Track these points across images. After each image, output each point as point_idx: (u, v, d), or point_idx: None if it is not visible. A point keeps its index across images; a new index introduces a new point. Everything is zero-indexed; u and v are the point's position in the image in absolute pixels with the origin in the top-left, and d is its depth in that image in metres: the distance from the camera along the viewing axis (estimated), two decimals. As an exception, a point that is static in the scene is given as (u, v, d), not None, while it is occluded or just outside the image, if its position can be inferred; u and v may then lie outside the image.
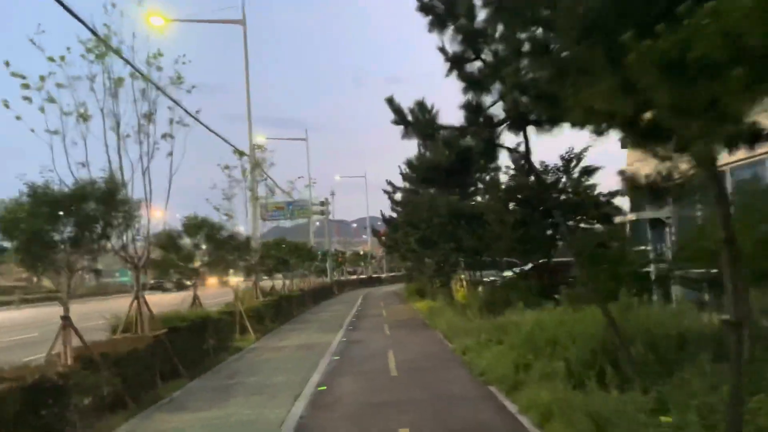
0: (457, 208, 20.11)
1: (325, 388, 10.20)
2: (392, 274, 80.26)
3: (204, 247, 16.24)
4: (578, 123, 4.56)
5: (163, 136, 11.53)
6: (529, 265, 21.09)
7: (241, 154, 22.61)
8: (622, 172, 4.74)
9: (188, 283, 21.84)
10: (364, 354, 14.06)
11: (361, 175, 70.55)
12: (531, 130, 6.19)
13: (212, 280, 35.54)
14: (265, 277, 28.75)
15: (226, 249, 16.80)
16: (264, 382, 11.26)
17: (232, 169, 22.06)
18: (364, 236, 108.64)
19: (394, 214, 29.18)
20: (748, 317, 5.33)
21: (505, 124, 6.13)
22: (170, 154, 11.88)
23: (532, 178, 21.92)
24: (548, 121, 5.67)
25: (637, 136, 4.48)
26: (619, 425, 5.71)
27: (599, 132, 5.73)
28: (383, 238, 33.59)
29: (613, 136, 5.03)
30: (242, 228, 22.25)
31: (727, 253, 4.89)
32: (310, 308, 32.12)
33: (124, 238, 10.57)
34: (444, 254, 21.08)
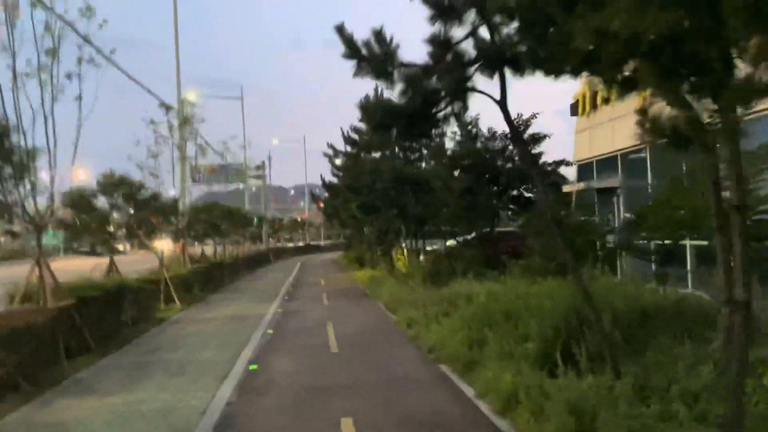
0: (403, 174, 19.16)
1: (256, 367, 9.10)
2: (331, 241, 79.22)
3: (125, 209, 14.60)
4: (583, 50, 3.55)
5: (68, 75, 9.85)
6: (471, 235, 20.50)
7: (168, 108, 20.73)
8: (642, 111, 3.79)
9: (121, 248, 20.22)
10: (301, 327, 13.01)
11: (299, 140, 68.26)
12: (508, 72, 5.20)
13: (144, 246, 33.53)
14: (196, 244, 27.06)
15: (148, 210, 15.20)
16: (187, 358, 10.03)
17: (159, 125, 20.37)
18: (302, 203, 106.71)
19: (335, 180, 27.97)
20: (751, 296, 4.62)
21: (477, 64, 5.10)
22: (79, 98, 10.22)
23: (479, 144, 21.31)
24: (532, 60, 4.67)
25: (659, 72, 3.54)
26: (600, 417, 4.94)
27: (578, 73, 4.80)
28: (322, 205, 32.36)
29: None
30: (172, 191, 20.51)
31: (737, 222, 4.09)
32: (244, 276, 30.65)
33: (20, 192, 8.97)
34: (387, 221, 20.15)
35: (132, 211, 14.30)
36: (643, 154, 15.28)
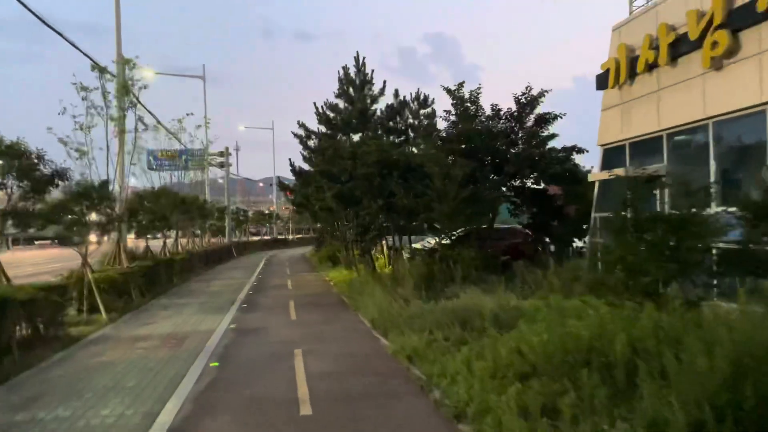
0: (390, 157, 15.67)
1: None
2: (299, 236, 75.29)
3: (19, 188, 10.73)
4: None
5: None
6: (457, 232, 17.10)
7: (102, 70, 16.79)
8: None
9: (93, 239, 16.38)
10: (258, 357, 9.41)
11: (268, 127, 64.14)
12: None
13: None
14: (148, 237, 23.09)
15: (58, 192, 11.39)
16: (74, 424, 6.37)
17: (91, 92, 16.45)
18: (270, 196, 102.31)
19: (307, 166, 24.29)
20: None
21: None
22: None
23: (478, 124, 17.94)
24: None
25: None
26: None
27: None
28: (291, 195, 28.49)
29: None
30: (110, 173, 16.59)
31: None
32: (199, 274, 26.75)
33: None
34: (369, 214, 16.63)
35: (27, 191, 10.45)
36: (700, 136, 12.10)
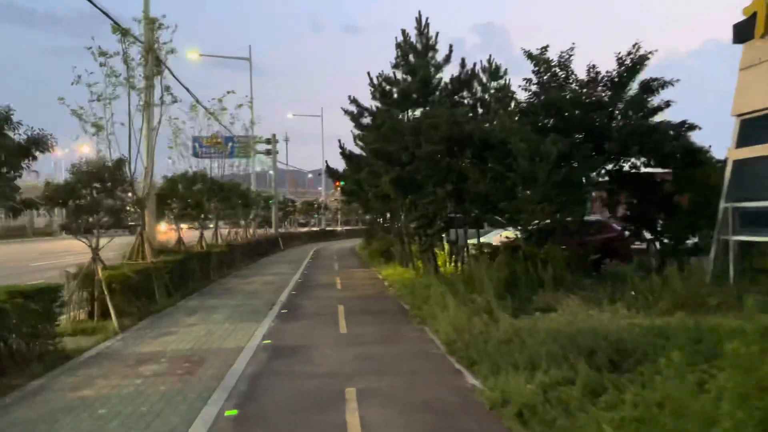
0: (463, 130, 12.67)
1: None
2: (348, 227, 73.02)
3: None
4: None
5: None
6: (529, 226, 13.92)
7: (124, 32, 14.40)
8: None
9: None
10: (294, 402, 6.63)
11: (317, 114, 61.87)
12: None
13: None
14: (185, 227, 20.86)
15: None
16: None
17: (111, 58, 14.13)
18: (319, 188, 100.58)
19: (358, 150, 21.53)
20: None
21: None
22: None
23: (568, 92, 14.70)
24: None
25: None
26: None
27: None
28: (340, 184, 25.88)
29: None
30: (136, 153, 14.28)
31: None
32: (240, 269, 24.43)
33: None
34: (434, 203, 13.67)
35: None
36: None
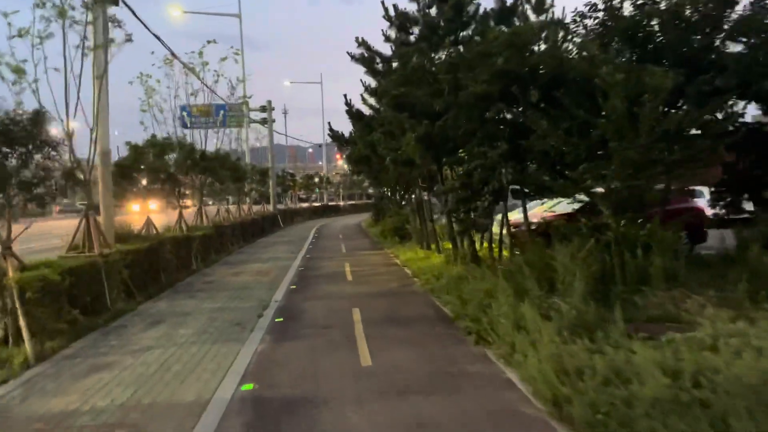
0: (528, 60, 8.94)
1: None
2: (351, 202, 69.43)
3: None
4: None
5: None
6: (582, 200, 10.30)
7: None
8: None
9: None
10: None
11: (316, 81, 57.59)
12: None
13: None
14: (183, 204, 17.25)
15: None
16: None
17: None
18: (320, 162, 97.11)
19: (367, 112, 17.75)
20: None
21: None
22: None
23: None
24: None
25: None
26: None
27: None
28: (342, 156, 22.05)
29: None
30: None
31: None
32: (231, 253, 20.89)
33: None
34: (482, 167, 9.93)
35: None
36: None
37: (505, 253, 13.11)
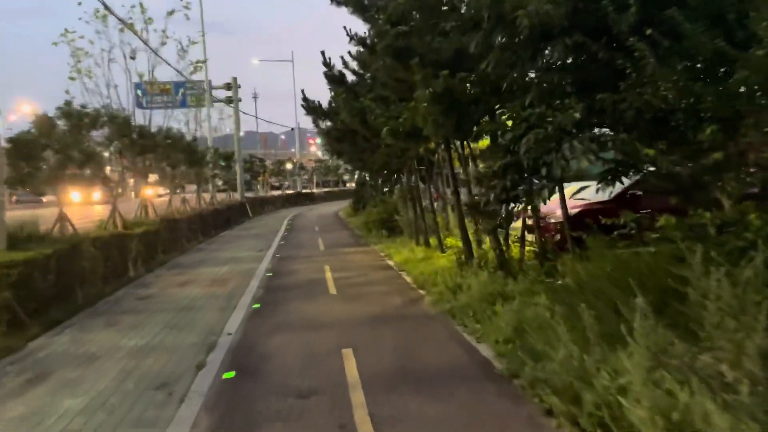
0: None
1: None
2: (326, 189, 65.82)
3: None
4: None
5: None
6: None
7: None
8: None
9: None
10: None
11: (287, 59, 53.40)
12: None
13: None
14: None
15: None
16: None
17: None
18: (292, 149, 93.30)
19: (349, 75, 14.29)
20: None
21: None
22: None
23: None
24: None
25: None
26: None
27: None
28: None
29: None
30: None
31: None
32: (186, 251, 17.28)
33: None
34: (546, 138, 6.58)
35: None
36: None
37: (527, 254, 9.94)
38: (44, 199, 27.10)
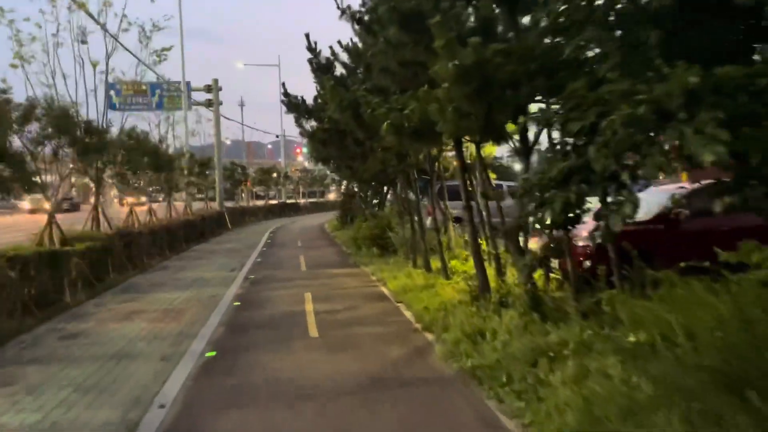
0: None
1: None
2: (312, 200, 63.50)
3: None
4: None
5: None
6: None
7: None
8: None
9: None
10: None
11: (273, 64, 51.09)
12: None
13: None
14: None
15: None
16: None
17: None
18: (279, 159, 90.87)
19: (339, 70, 12.10)
20: None
21: None
22: None
23: None
24: None
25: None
26: None
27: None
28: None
29: None
30: None
31: None
32: (145, 270, 14.83)
33: None
34: (636, 120, 4.42)
35: None
36: None
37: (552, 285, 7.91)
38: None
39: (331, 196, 71.73)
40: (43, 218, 11.44)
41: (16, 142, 10.19)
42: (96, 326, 8.80)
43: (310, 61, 11.35)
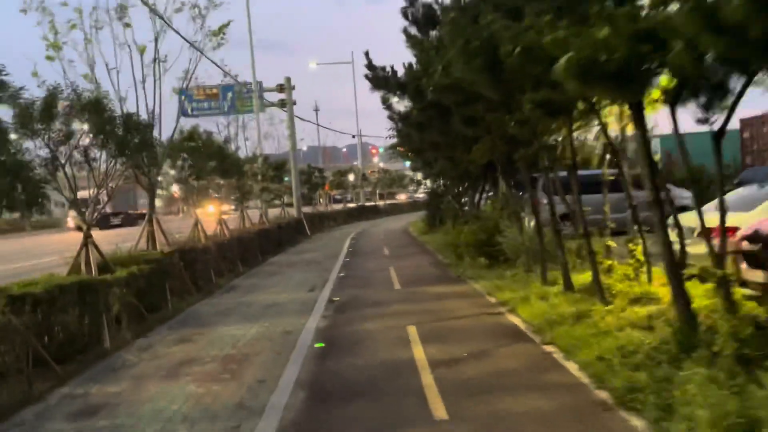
0: None
1: None
2: (391, 201, 61.06)
3: None
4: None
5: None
6: None
7: None
8: None
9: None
10: None
11: (347, 61, 48.98)
12: None
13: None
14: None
15: None
16: None
17: None
18: (355, 162, 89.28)
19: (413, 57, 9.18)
20: None
21: None
22: None
23: None
24: None
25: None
26: None
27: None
28: (399, 100, 13.14)
29: None
30: None
31: None
32: (211, 293, 12.49)
33: None
34: None
35: None
36: None
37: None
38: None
39: (401, 197, 69.14)
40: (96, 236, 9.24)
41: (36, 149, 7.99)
42: (129, 390, 6.32)
43: (403, 11, 8.53)
